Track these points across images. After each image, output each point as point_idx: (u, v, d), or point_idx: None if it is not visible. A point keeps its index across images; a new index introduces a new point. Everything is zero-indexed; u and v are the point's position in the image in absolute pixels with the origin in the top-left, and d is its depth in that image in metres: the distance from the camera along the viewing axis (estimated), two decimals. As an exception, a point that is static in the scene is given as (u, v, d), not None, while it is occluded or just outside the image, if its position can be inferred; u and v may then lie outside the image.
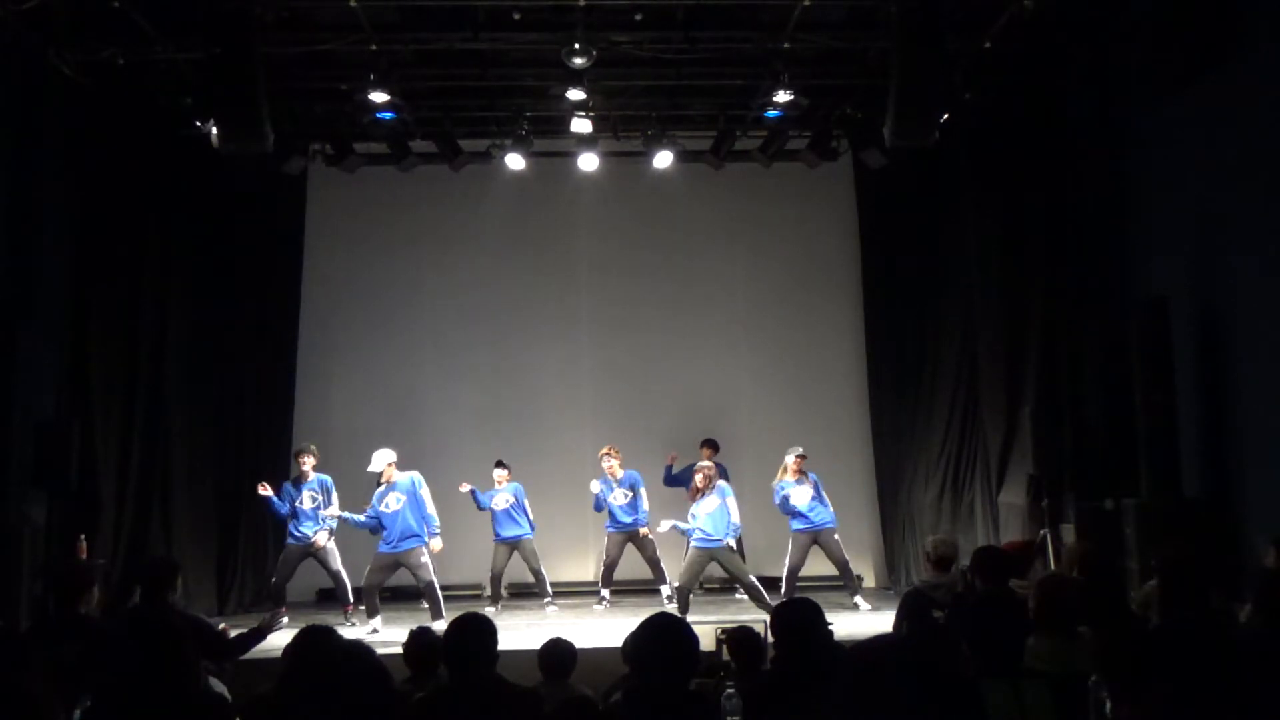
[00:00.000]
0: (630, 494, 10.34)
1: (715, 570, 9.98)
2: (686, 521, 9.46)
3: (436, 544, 9.37)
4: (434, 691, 4.10)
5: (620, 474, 10.39)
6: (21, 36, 7.94)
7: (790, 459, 9.89)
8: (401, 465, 9.61)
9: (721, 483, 9.48)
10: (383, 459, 9.38)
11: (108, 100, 9.12)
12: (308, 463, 9.71)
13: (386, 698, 2.66)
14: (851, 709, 2.33)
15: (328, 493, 9.70)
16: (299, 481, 9.69)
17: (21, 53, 8.12)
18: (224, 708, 3.86)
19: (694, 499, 9.42)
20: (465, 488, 10.22)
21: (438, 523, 9.41)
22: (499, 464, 10.43)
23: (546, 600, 10.41)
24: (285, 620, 9.65)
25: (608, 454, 10.39)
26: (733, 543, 9.45)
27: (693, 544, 9.33)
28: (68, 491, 8.58)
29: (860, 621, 9.23)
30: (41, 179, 8.62)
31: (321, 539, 9.62)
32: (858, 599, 10.04)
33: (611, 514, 10.39)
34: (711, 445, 10.81)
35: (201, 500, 10.47)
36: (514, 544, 10.40)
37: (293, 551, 9.72)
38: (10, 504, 8.08)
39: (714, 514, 9.26)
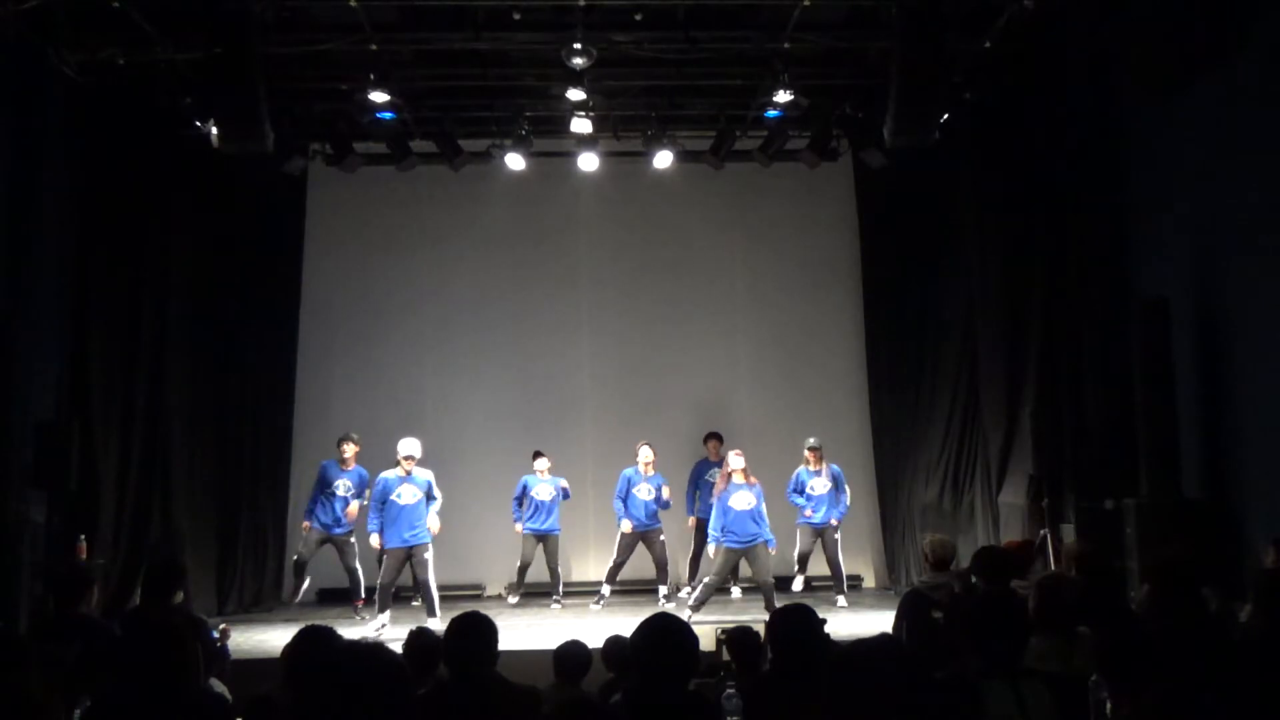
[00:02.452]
0: (655, 492, 10.36)
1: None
2: (711, 521, 9.60)
3: (436, 523, 9.50)
4: (434, 690, 4.10)
5: (652, 471, 10.41)
6: (22, 36, 7.94)
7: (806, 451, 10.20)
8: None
9: (755, 482, 9.58)
10: (414, 447, 9.47)
11: (108, 100, 9.12)
12: (350, 450, 10.00)
13: (398, 696, 2.66)
14: (852, 709, 2.33)
15: (362, 487, 9.92)
16: (344, 467, 9.98)
17: (21, 53, 8.12)
18: (224, 708, 3.86)
19: (724, 486, 9.50)
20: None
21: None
22: (539, 454, 10.48)
23: (555, 599, 10.46)
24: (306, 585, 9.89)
25: (646, 445, 10.37)
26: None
27: (724, 545, 9.39)
28: (68, 491, 8.58)
29: (860, 621, 9.23)
30: (42, 179, 8.61)
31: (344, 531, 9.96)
32: (840, 597, 10.24)
33: (631, 510, 10.34)
34: (718, 438, 10.81)
35: (201, 500, 10.48)
36: (544, 537, 10.42)
37: (314, 535, 9.97)
38: (10, 504, 8.07)
39: (751, 512, 9.39)
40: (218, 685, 5.04)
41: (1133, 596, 6.34)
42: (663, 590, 10.49)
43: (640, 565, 10.63)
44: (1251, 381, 7.67)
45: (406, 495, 9.33)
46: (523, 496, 10.42)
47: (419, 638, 4.95)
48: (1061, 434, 9.39)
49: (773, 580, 9.54)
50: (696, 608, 9.30)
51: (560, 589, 10.52)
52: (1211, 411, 8.20)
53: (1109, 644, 3.65)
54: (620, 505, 10.37)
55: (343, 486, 9.92)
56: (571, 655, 5.14)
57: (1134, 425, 8.40)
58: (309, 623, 4.02)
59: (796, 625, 4.02)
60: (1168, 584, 4.59)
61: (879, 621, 8.77)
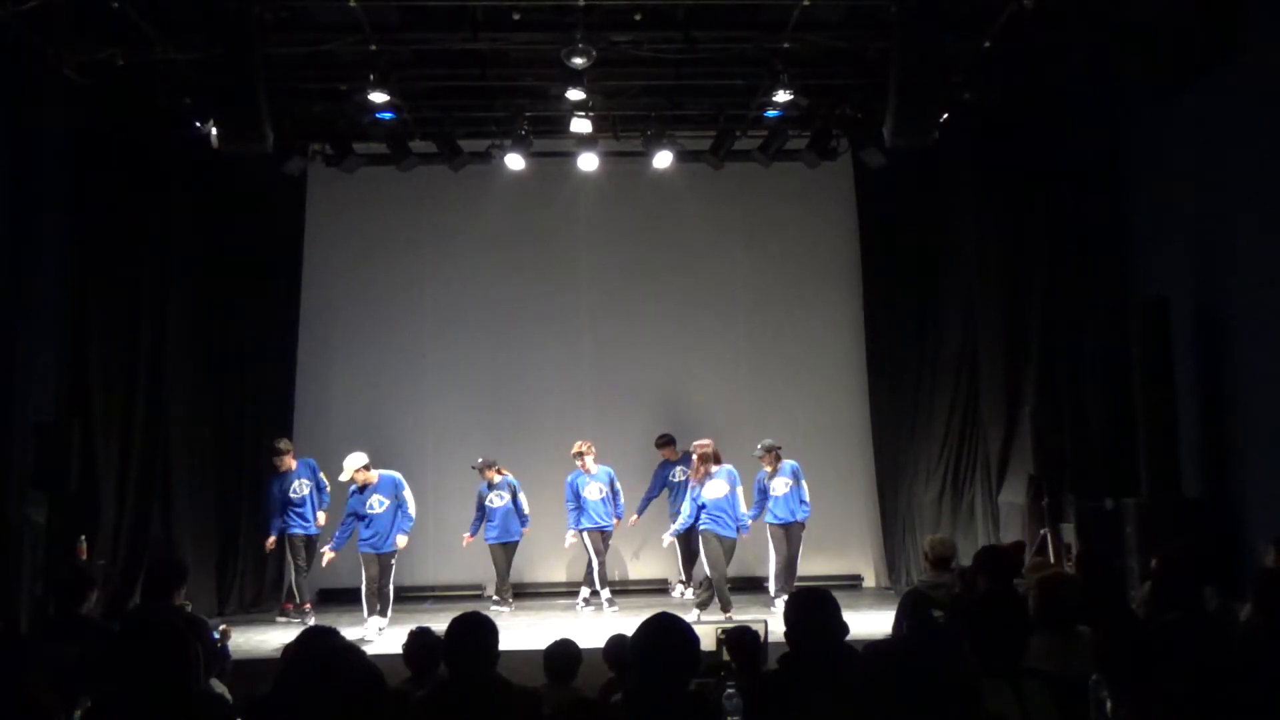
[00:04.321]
0: (605, 490, 10.37)
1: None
2: (676, 515, 9.77)
3: (403, 540, 9.52)
4: (434, 690, 4.10)
5: (594, 469, 10.38)
6: (21, 36, 7.94)
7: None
8: (402, 466, 9.62)
9: (729, 468, 9.65)
10: (353, 464, 9.40)
11: (108, 100, 9.12)
12: (286, 457, 10.02)
13: (378, 697, 2.67)
14: (858, 709, 2.34)
15: (314, 472, 10.05)
16: (284, 475, 9.99)
17: (21, 53, 8.12)
18: (224, 708, 3.86)
19: (699, 480, 9.55)
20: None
21: (411, 523, 9.59)
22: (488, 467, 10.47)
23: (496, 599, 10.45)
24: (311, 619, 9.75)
25: (581, 451, 10.35)
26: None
27: (704, 529, 9.47)
28: (68, 491, 8.58)
29: (860, 621, 9.21)
30: (42, 179, 8.62)
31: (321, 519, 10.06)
32: (780, 600, 10.04)
33: (588, 511, 10.32)
34: (669, 441, 10.71)
35: (201, 500, 10.49)
36: (506, 546, 10.43)
37: (300, 542, 9.99)
38: (10, 504, 8.07)
39: (725, 499, 9.50)
40: (218, 685, 5.05)
41: (1133, 596, 6.34)
42: (584, 593, 10.46)
43: (644, 565, 10.63)
44: (1251, 381, 7.68)
45: (376, 505, 9.38)
46: (483, 506, 10.42)
47: (420, 638, 4.96)
48: (1061, 434, 9.39)
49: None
50: (727, 607, 9.37)
51: (506, 591, 10.48)
52: (1211, 411, 8.20)
53: (1109, 644, 3.65)
54: (573, 513, 10.34)
55: (303, 486, 9.97)
56: (561, 655, 5.13)
57: (1134, 425, 8.41)
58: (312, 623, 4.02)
59: (819, 609, 3.91)
60: (1170, 583, 4.60)
61: (879, 621, 8.77)
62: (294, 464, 10.07)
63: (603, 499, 10.36)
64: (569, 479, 10.38)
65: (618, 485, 10.51)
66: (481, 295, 11.86)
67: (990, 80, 9.64)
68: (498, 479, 10.41)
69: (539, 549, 11.15)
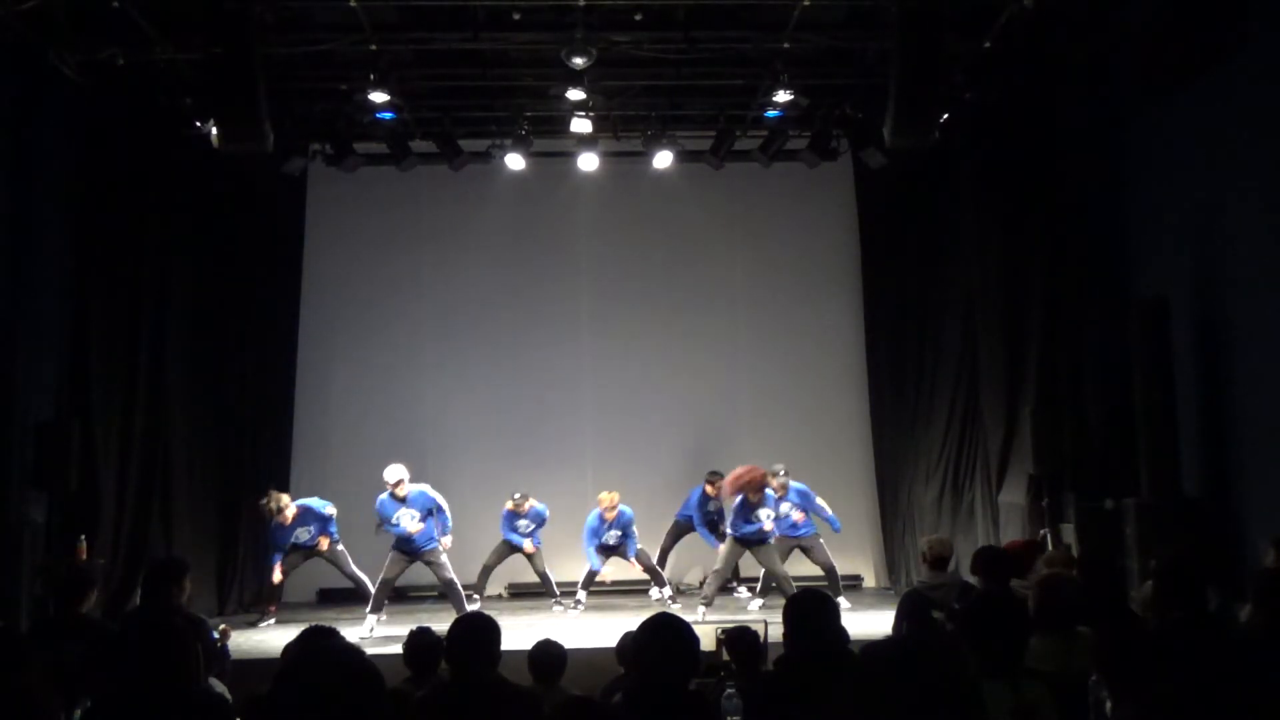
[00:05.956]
0: (620, 534, 10.29)
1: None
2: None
3: (447, 541, 9.62)
4: (435, 690, 4.10)
5: (613, 516, 10.26)
6: (21, 36, 7.94)
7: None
8: (403, 464, 9.63)
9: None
10: (395, 474, 9.40)
11: (108, 100, 9.12)
12: (289, 510, 9.77)
13: (378, 700, 2.67)
14: (857, 709, 2.34)
15: (323, 524, 9.92)
16: (285, 522, 9.80)
17: (21, 53, 8.12)
18: (224, 708, 3.86)
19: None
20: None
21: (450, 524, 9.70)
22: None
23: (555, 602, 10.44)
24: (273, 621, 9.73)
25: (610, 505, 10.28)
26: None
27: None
28: (68, 491, 8.58)
29: (860, 621, 9.22)
30: (41, 179, 8.62)
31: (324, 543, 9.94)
32: (757, 601, 10.16)
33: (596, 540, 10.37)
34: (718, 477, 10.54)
35: (201, 500, 10.49)
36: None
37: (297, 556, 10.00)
38: (10, 504, 8.07)
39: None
40: (218, 685, 5.05)
41: (1132, 596, 6.34)
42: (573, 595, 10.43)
43: (629, 567, 10.60)
44: (1251, 381, 7.67)
45: (405, 521, 9.36)
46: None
47: (419, 638, 4.95)
48: (1061, 434, 9.39)
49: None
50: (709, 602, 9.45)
51: (555, 591, 10.48)
52: (1211, 411, 8.20)
53: (1109, 644, 3.66)
54: (591, 551, 10.34)
55: (304, 534, 9.84)
56: (546, 655, 5.12)
57: (1134, 425, 8.40)
58: (313, 623, 4.01)
59: (817, 611, 3.92)
60: (1171, 583, 4.59)
61: (879, 621, 8.78)
62: (292, 519, 9.85)
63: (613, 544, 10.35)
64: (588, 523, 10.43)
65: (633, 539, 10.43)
66: (481, 295, 11.86)
67: (990, 80, 9.64)
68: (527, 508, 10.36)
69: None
